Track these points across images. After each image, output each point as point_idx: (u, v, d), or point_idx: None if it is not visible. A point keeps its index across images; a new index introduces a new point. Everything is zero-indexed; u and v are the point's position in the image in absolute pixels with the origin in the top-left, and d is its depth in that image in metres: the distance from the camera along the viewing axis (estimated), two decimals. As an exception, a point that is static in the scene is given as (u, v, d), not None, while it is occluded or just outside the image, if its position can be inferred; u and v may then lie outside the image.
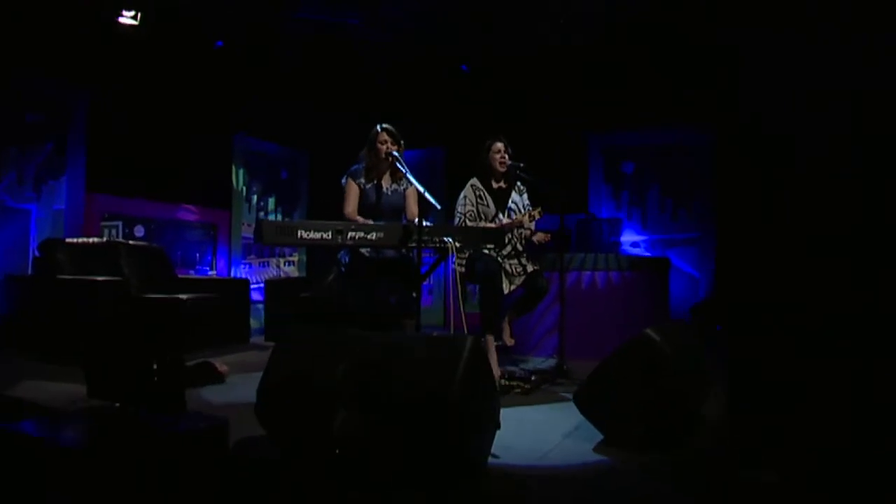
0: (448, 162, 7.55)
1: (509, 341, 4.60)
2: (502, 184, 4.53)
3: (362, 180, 4.11)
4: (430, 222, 3.89)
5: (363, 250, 3.80)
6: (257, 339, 5.68)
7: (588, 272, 4.88)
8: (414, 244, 3.66)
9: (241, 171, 7.04)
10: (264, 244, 3.51)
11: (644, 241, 6.72)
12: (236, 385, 3.67)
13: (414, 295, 3.99)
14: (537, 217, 4.11)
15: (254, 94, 6.87)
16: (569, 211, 6.71)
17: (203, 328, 5.03)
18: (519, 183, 4.58)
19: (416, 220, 4.01)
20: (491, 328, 4.16)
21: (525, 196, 4.59)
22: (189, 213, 6.39)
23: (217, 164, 6.70)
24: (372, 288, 3.98)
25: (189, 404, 2.22)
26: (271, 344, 5.45)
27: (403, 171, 3.81)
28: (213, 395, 3.45)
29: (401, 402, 1.99)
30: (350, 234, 3.55)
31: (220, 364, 3.73)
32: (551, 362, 4.67)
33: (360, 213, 4.11)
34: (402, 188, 4.17)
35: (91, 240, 4.91)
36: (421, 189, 3.57)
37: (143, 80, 5.75)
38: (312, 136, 7.71)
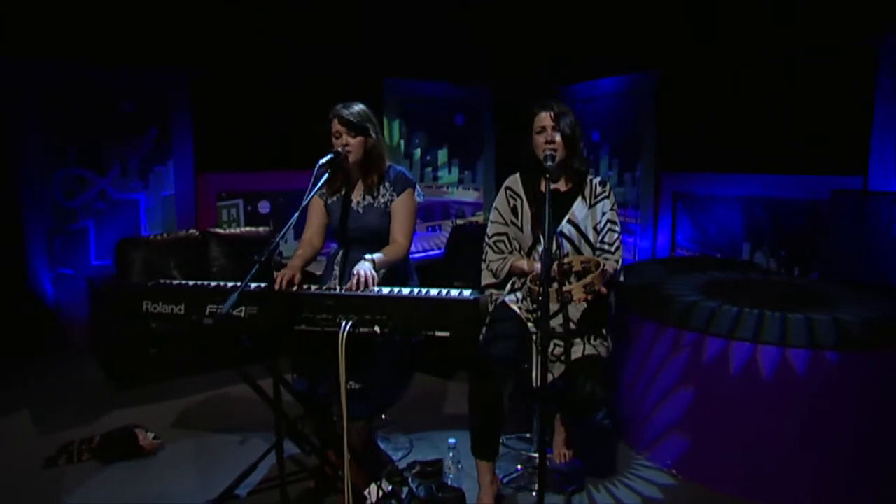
0: (661, 93, 5.24)
1: (560, 456, 2.86)
2: (562, 185, 2.66)
3: (325, 191, 2.81)
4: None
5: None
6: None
7: (744, 343, 2.64)
8: (301, 324, 2.29)
9: (396, 123, 6.05)
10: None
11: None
12: (153, 469, 2.93)
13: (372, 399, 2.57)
14: (588, 293, 2.21)
15: (409, 25, 5.64)
16: (826, 171, 4.03)
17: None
18: (596, 181, 2.65)
19: (393, 250, 2.61)
20: (481, 449, 2.54)
21: (605, 205, 2.64)
22: (326, 181, 5.74)
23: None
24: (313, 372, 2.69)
25: None
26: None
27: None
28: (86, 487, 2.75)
29: None
30: (210, 308, 2.38)
31: (144, 436, 3.03)
32: (660, 494, 2.76)
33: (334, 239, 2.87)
34: (382, 200, 2.74)
35: (176, 233, 4.64)
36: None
37: (251, 40, 5.11)
38: (496, 68, 6.19)
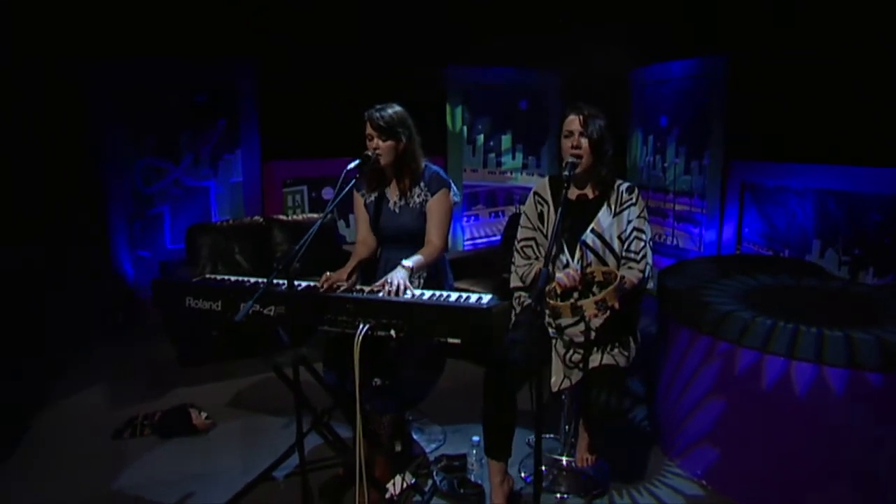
0: (733, 78, 4.95)
1: (582, 461, 2.85)
2: (589, 191, 2.62)
3: (364, 191, 2.91)
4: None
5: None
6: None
7: (778, 358, 2.52)
8: (324, 325, 2.39)
9: (458, 110, 6.05)
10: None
11: None
12: (203, 447, 3.18)
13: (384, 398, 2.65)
14: (599, 309, 2.19)
15: (473, 9, 5.60)
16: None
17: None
18: (623, 187, 2.58)
19: (428, 252, 2.65)
20: (493, 450, 2.58)
21: (631, 212, 2.57)
22: (388, 167, 5.84)
23: (424, 107, 5.84)
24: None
25: None
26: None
27: None
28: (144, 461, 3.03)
29: None
30: (242, 306, 2.52)
31: (197, 415, 3.28)
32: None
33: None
34: (417, 201, 2.80)
35: (241, 220, 4.89)
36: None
37: (313, 33, 5.25)
38: (564, 52, 6.02)
